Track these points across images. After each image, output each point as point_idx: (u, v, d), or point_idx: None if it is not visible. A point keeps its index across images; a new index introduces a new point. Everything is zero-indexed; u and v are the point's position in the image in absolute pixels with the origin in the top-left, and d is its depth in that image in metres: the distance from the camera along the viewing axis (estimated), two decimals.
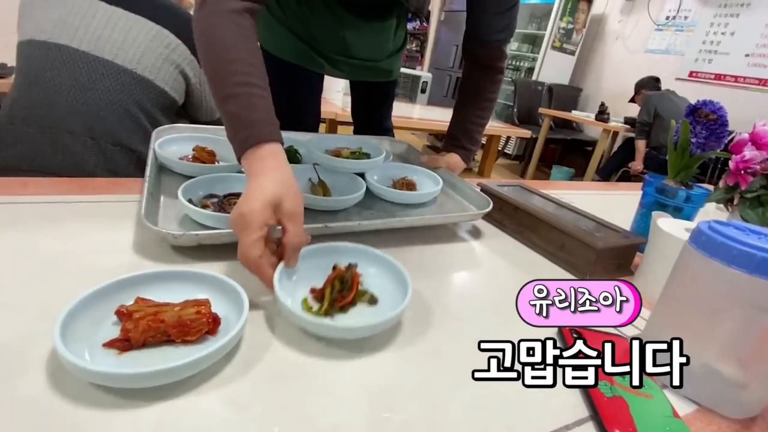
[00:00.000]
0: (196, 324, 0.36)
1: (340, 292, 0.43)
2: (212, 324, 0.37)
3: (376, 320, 0.39)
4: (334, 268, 0.46)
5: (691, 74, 3.80)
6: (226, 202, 0.57)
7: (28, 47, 0.81)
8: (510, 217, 0.75)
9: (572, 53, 4.59)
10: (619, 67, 4.40)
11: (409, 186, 0.78)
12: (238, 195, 0.58)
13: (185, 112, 1.00)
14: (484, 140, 2.76)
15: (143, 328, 0.34)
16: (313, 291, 0.44)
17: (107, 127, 0.81)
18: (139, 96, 0.84)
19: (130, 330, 0.34)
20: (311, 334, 0.40)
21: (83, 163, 0.78)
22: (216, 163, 0.74)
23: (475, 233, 0.73)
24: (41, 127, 0.78)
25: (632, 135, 3.62)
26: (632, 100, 3.45)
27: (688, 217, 0.71)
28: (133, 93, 0.83)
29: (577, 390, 0.40)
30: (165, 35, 0.86)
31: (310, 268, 0.47)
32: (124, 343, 0.34)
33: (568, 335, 0.46)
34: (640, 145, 3.17)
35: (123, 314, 0.36)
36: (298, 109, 1.12)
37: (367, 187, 0.70)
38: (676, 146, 0.72)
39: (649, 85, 3.32)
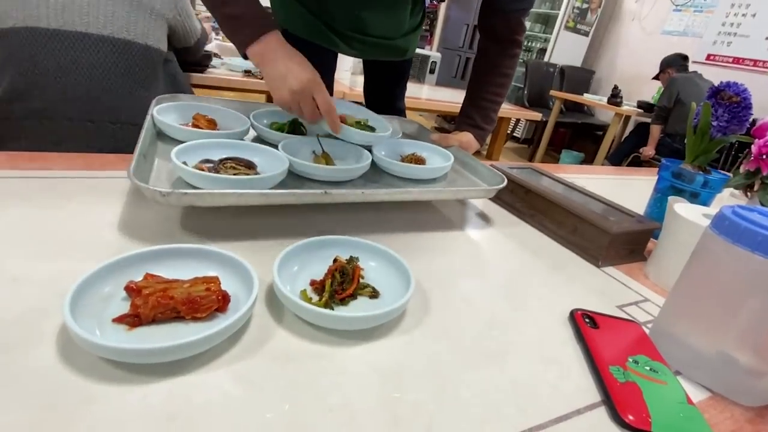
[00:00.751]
0: (205, 301, 0.35)
1: (341, 284, 0.42)
2: (222, 302, 0.36)
3: (377, 311, 0.38)
4: (335, 260, 0.45)
5: (708, 57, 3.70)
6: (221, 166, 0.55)
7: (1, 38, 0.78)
8: (521, 200, 0.73)
9: (586, 34, 4.47)
10: (634, 49, 4.28)
11: (419, 162, 0.74)
12: (234, 159, 0.57)
13: (175, 50, 0.97)
14: None
15: (153, 304, 0.34)
16: (312, 283, 0.43)
17: (103, 106, 0.79)
18: (124, 63, 0.80)
19: (139, 306, 0.34)
20: (311, 324, 0.39)
21: (89, 149, 0.76)
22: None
23: (485, 216, 0.72)
24: (39, 119, 0.77)
25: (645, 120, 3.55)
26: (656, 78, 3.30)
27: (705, 203, 0.70)
28: (117, 62, 0.79)
29: (589, 374, 0.39)
30: None
31: (310, 261, 0.45)
32: (133, 319, 0.34)
33: (580, 320, 0.45)
34: (655, 130, 3.10)
35: (132, 290, 0.36)
36: None
37: (373, 162, 0.67)
38: (696, 129, 0.70)
39: (675, 64, 3.15)
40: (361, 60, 1.22)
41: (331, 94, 1.17)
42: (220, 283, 0.37)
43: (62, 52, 0.76)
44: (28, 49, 0.76)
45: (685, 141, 0.73)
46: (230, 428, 0.28)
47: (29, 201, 0.51)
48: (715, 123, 0.68)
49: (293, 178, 0.59)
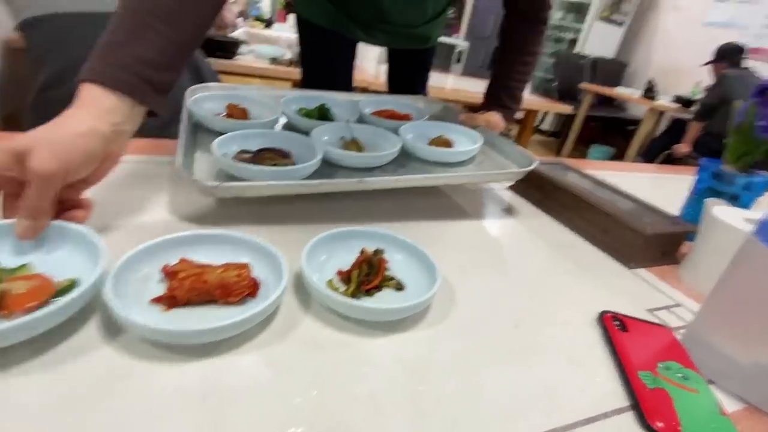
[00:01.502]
0: (237, 286, 0.36)
1: (367, 275, 0.43)
2: (253, 287, 0.37)
3: (404, 304, 0.38)
4: (362, 252, 0.45)
5: (753, 51, 3.50)
6: (259, 157, 0.56)
7: (33, 27, 0.79)
8: (550, 196, 0.72)
9: (621, 24, 4.30)
10: (672, 40, 4.10)
11: (446, 144, 0.73)
12: (271, 150, 0.58)
13: None
14: (520, 115, 2.66)
15: (188, 287, 0.35)
16: (339, 273, 0.44)
17: None
18: None
19: (175, 288, 0.35)
20: (338, 313, 0.39)
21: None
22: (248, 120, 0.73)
23: (512, 211, 0.71)
24: None
25: (681, 116, 3.41)
26: (708, 64, 3.04)
27: (745, 207, 0.67)
28: None
29: (616, 378, 0.38)
30: None
31: (337, 251, 0.46)
32: (169, 301, 0.35)
33: (609, 322, 0.44)
34: (695, 127, 2.94)
35: (168, 273, 0.37)
36: (332, 77, 1.09)
37: (402, 146, 0.67)
38: (739, 128, 0.67)
39: (732, 56, 2.91)
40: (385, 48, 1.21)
41: (351, 84, 1.17)
42: (250, 270, 0.38)
43: (92, 34, 0.78)
44: (59, 34, 0.78)
45: (726, 141, 0.70)
46: (260, 410, 0.29)
47: None
48: (762, 123, 0.64)
49: (325, 165, 0.60)
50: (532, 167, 0.65)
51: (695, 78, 3.62)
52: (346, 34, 1.00)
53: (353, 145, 0.67)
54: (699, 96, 3.38)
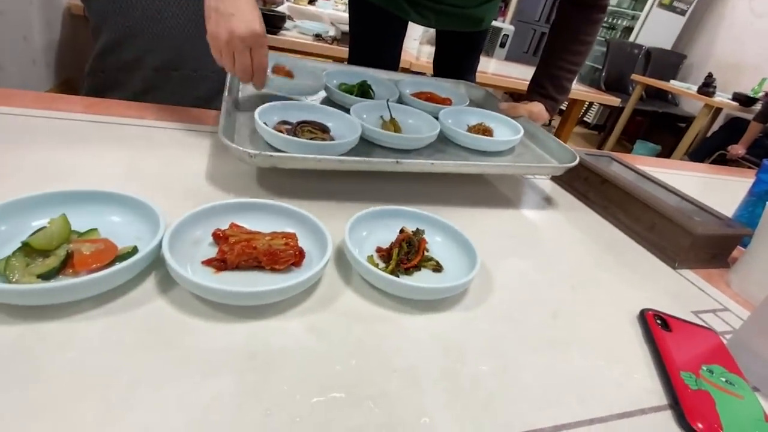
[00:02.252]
0: (284, 255, 0.38)
1: (407, 254, 0.43)
2: (298, 257, 0.38)
3: (443, 284, 0.39)
4: (402, 231, 0.46)
5: None
6: (299, 129, 0.57)
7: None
8: (595, 189, 0.70)
9: (683, 13, 4.02)
10: (738, 32, 3.80)
11: (486, 132, 0.72)
12: (311, 123, 0.59)
13: None
14: (564, 105, 2.56)
15: (238, 251, 0.37)
16: (379, 250, 0.45)
17: (185, 55, 0.83)
18: (203, 13, 0.84)
19: (226, 252, 0.37)
20: (377, 289, 0.40)
21: (173, 97, 0.81)
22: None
23: (553, 202, 0.69)
24: (130, 70, 0.82)
25: (739, 114, 3.20)
26: None
27: None
28: (198, 11, 0.82)
29: (655, 377, 0.38)
30: None
31: (378, 229, 0.46)
32: (220, 263, 0.37)
33: (651, 320, 0.43)
34: (754, 127, 2.75)
35: (219, 237, 0.39)
36: (378, 54, 1.08)
37: (440, 130, 0.66)
38: None
39: None
40: (430, 29, 1.18)
41: (397, 64, 1.16)
42: (297, 240, 0.39)
43: (149, 3, 0.81)
44: (118, 2, 0.81)
45: None
46: (303, 373, 0.31)
47: (126, 146, 0.55)
48: None
49: (362, 142, 0.60)
50: (573, 164, 0.63)
51: (759, 75, 3.35)
52: (398, 13, 0.99)
53: (391, 125, 0.67)
54: (761, 95, 3.14)
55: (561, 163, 0.67)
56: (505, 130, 0.74)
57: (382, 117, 0.69)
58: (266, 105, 0.59)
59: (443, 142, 0.68)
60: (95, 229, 0.37)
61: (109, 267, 0.32)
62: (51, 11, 1.66)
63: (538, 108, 0.82)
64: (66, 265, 0.33)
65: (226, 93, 0.61)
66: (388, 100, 0.71)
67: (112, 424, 0.25)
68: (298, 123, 0.59)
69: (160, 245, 0.35)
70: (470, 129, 0.72)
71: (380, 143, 0.62)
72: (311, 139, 0.56)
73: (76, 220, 0.37)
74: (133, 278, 0.35)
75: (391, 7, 0.98)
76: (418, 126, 0.69)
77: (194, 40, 0.84)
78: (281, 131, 0.56)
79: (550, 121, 0.86)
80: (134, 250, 0.35)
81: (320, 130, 0.59)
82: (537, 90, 0.86)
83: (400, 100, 0.78)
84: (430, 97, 0.82)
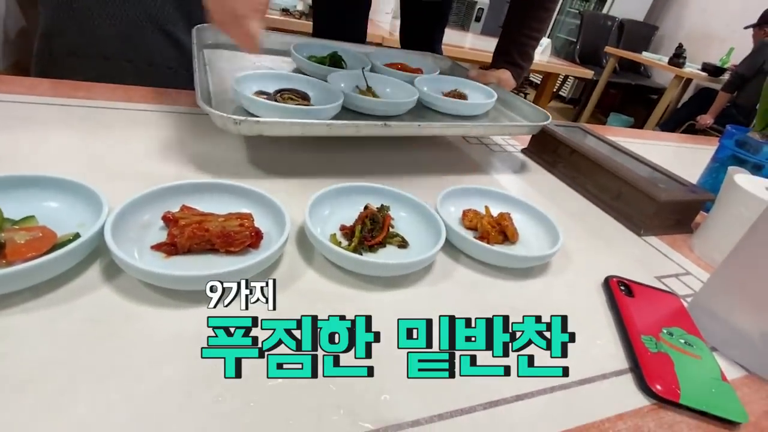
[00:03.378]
0: (239, 236, 0.36)
1: (370, 231, 0.42)
2: (255, 238, 0.37)
3: (406, 260, 0.38)
4: (366, 207, 0.44)
5: None
6: (280, 97, 0.56)
7: None
8: (564, 160, 0.70)
9: None
10: (706, 4, 3.85)
11: (461, 98, 0.74)
12: (290, 90, 0.57)
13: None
14: (539, 79, 2.56)
15: (188, 234, 0.35)
16: (342, 228, 0.43)
17: (138, 46, 0.79)
18: (158, 5, 0.80)
19: (176, 236, 0.35)
20: (340, 268, 0.39)
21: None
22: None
23: (523, 173, 0.69)
24: (77, 56, 0.78)
25: (708, 85, 3.26)
26: (749, 27, 2.84)
27: None
28: (152, 3, 0.79)
29: (618, 342, 0.38)
30: None
31: (342, 206, 0.45)
32: (170, 248, 0.35)
33: (614, 286, 0.44)
34: (722, 97, 2.80)
35: (169, 220, 0.37)
36: (342, 29, 1.05)
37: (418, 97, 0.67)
38: None
39: None
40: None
41: (365, 36, 1.13)
42: (253, 220, 0.38)
43: None
44: None
45: (757, 107, 0.66)
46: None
47: (72, 128, 0.52)
48: None
49: (343, 111, 0.59)
50: (548, 122, 0.65)
51: (727, 45, 3.41)
52: None
53: (369, 93, 0.66)
54: (728, 65, 3.20)
55: (536, 122, 0.68)
56: (479, 95, 0.76)
57: (357, 86, 0.68)
58: (241, 75, 0.57)
59: (422, 109, 0.69)
60: (32, 217, 0.35)
61: (46, 256, 0.30)
62: None
63: (506, 75, 0.84)
64: None
65: (196, 63, 0.58)
66: (363, 69, 0.70)
67: (50, 420, 0.23)
68: (277, 91, 0.57)
69: (102, 231, 0.33)
70: (446, 95, 0.73)
71: (361, 110, 0.60)
72: (296, 105, 0.54)
73: (10, 207, 0.34)
74: (75, 267, 0.33)
75: None
76: (396, 93, 0.68)
77: (146, 31, 0.79)
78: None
79: (525, 95, 0.86)
80: (75, 237, 0.33)
81: (301, 98, 0.57)
82: (503, 58, 0.86)
83: (373, 71, 0.76)
84: (402, 67, 0.81)
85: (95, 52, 0.78)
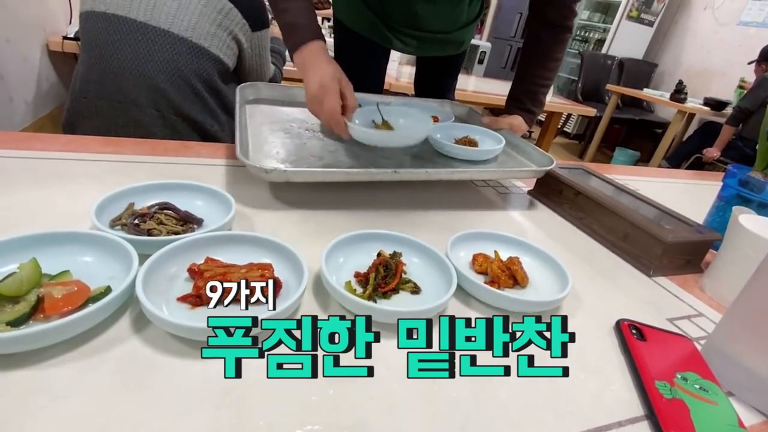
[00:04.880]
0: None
1: (384, 278, 0.44)
2: (275, 287, 0.38)
3: (420, 307, 0.39)
4: (379, 254, 0.46)
5: None
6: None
7: (89, 19, 0.85)
8: (570, 201, 0.71)
9: (650, 24, 4.18)
10: (704, 41, 3.96)
11: (472, 144, 0.78)
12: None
13: (236, 77, 1.01)
14: (543, 117, 2.62)
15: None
16: (357, 275, 0.45)
17: (169, 98, 0.85)
18: (195, 65, 0.86)
19: (201, 287, 0.37)
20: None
21: (151, 135, 0.82)
22: None
23: (530, 215, 0.70)
24: (111, 101, 0.84)
25: (712, 118, 3.30)
26: (752, 63, 2.90)
27: None
28: (190, 62, 0.86)
29: (632, 387, 0.38)
30: (217, 0, 0.87)
31: (355, 253, 0.47)
32: (195, 299, 0.37)
33: (626, 330, 0.44)
34: (727, 131, 2.83)
35: (194, 272, 0.39)
36: (362, 81, 1.10)
37: (430, 144, 0.73)
38: None
39: None
40: None
41: (382, 88, 1.19)
42: (273, 270, 0.40)
43: (143, 44, 0.83)
44: (113, 34, 0.83)
45: (757, 147, 0.68)
46: (279, 408, 0.30)
47: (103, 182, 0.55)
48: None
49: (360, 147, 0.66)
50: (551, 166, 0.69)
51: (727, 79, 3.49)
52: (381, 41, 1.01)
53: (384, 126, 0.71)
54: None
55: (540, 167, 0.73)
56: (489, 141, 0.81)
57: (374, 121, 0.73)
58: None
59: (435, 155, 0.74)
60: (67, 271, 0.37)
61: (81, 309, 0.32)
62: (28, 48, 1.66)
63: (518, 120, 0.90)
64: (37, 310, 0.33)
65: (237, 116, 0.67)
66: (378, 104, 0.75)
67: None
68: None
69: (133, 284, 0.35)
70: (457, 141, 0.78)
71: (375, 143, 0.67)
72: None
73: (48, 262, 0.37)
74: (107, 318, 0.35)
75: (374, 36, 1.01)
76: (410, 125, 0.74)
77: (176, 82, 0.86)
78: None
79: (530, 133, 0.91)
80: (107, 291, 0.35)
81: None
82: (515, 104, 0.92)
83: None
84: None
85: (129, 99, 0.84)
